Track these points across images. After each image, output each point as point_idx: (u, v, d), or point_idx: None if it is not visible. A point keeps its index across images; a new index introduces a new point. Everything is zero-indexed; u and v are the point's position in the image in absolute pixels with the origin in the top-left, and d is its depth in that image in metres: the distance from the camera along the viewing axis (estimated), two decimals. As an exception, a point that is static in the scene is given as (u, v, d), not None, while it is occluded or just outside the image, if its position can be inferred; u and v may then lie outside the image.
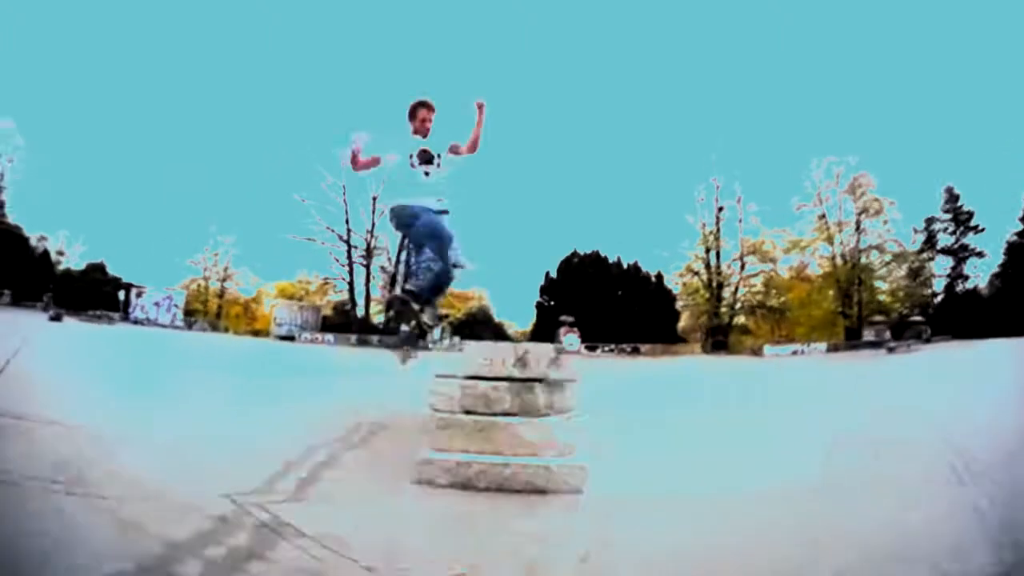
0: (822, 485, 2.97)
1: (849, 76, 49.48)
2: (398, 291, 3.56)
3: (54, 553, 1.69)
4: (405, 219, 3.65)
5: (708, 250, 34.36)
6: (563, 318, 29.41)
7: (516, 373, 3.05)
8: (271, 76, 55.49)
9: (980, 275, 30.95)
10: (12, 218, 32.72)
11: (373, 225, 33.61)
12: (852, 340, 28.25)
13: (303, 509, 2.35)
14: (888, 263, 32.31)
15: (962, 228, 31.40)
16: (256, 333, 33.23)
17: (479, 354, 3.13)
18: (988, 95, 38.65)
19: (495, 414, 2.97)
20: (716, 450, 3.98)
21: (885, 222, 32.17)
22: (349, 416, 4.42)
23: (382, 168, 3.83)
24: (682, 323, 35.85)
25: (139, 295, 30.83)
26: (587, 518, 2.51)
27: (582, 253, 34.73)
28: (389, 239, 4.00)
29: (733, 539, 2.31)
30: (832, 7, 44.84)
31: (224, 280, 37.21)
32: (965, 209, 31.36)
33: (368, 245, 33.84)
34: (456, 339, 24.07)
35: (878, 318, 27.68)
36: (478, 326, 32.62)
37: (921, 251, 32.19)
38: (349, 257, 34.71)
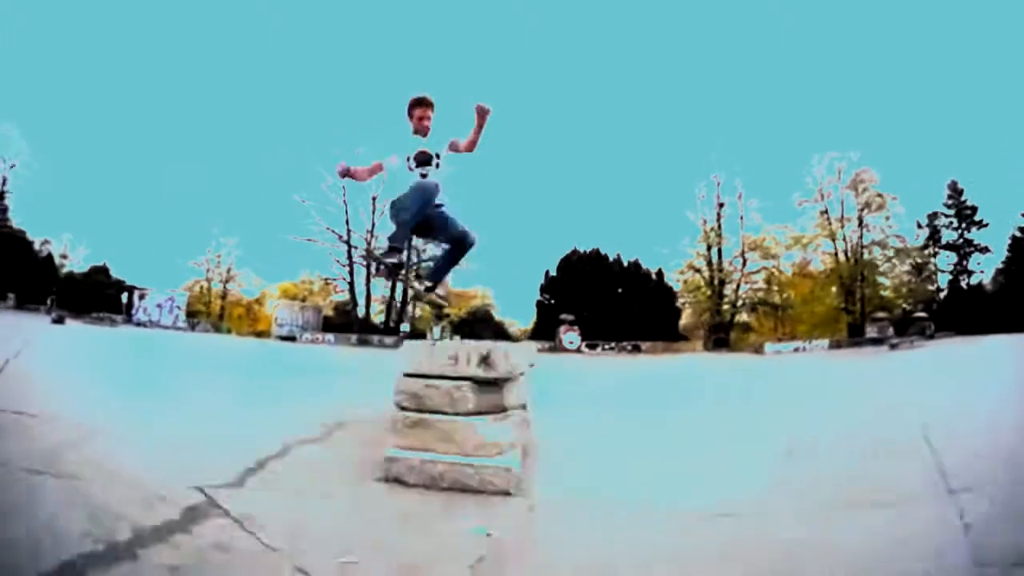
0: (822, 485, 2.94)
1: (851, 71, 49.38)
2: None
3: (26, 538, 1.81)
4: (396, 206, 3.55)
5: (709, 247, 34.29)
6: (563, 316, 29.42)
7: (481, 373, 3.11)
8: (271, 78, 55.73)
9: (984, 271, 30.83)
10: (16, 222, 33.04)
11: (373, 225, 33.73)
12: (855, 337, 28.14)
13: (266, 501, 2.51)
14: (891, 259, 32.18)
15: (966, 223, 31.21)
16: (258, 334, 33.36)
17: (443, 353, 3.18)
18: (991, 89, 38.46)
19: (458, 414, 3.06)
20: (716, 450, 3.96)
21: (888, 217, 32.08)
22: (326, 414, 4.51)
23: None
24: (684, 321, 35.78)
25: (142, 297, 31.02)
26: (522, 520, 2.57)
27: (582, 251, 34.68)
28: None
29: (731, 540, 2.29)
30: (833, 3, 44.68)
31: (227, 281, 37.41)
32: (969, 204, 31.21)
33: (368, 245, 33.92)
34: (456, 338, 24.07)
35: (881, 314, 27.50)
36: (478, 325, 32.61)
37: (924, 246, 32.03)
38: (349, 257, 34.85)
